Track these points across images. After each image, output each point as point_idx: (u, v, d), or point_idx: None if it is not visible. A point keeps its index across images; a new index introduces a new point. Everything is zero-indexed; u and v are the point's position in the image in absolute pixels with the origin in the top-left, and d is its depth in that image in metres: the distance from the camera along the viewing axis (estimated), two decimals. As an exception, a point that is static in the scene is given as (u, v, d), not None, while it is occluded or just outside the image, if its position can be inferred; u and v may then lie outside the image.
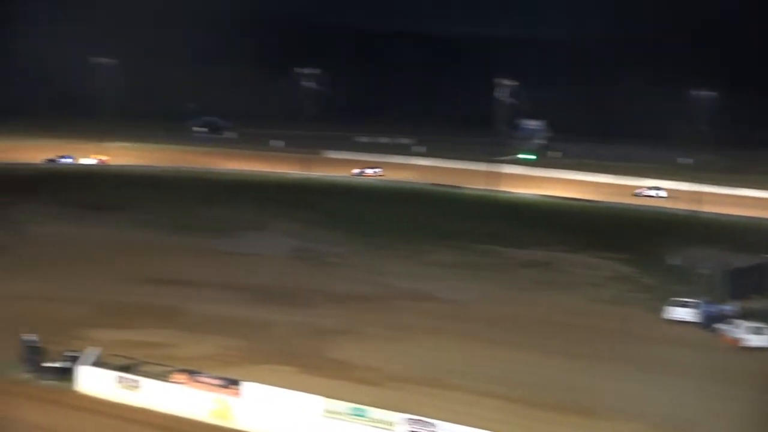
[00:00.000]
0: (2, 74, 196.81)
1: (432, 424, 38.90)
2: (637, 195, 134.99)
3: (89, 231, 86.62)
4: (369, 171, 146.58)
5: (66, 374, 45.39)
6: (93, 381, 44.75)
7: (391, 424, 39.29)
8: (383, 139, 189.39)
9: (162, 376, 44.07)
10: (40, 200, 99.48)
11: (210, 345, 52.05)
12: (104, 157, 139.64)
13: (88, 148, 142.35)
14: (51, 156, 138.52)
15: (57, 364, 45.90)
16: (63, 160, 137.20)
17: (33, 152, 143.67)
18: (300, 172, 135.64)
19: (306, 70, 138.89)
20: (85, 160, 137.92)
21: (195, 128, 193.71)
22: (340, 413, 40.26)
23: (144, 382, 43.75)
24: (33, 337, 46.80)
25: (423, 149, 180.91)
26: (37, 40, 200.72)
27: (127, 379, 44.11)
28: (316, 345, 53.76)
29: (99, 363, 45.80)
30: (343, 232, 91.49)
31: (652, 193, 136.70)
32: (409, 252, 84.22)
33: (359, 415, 40.02)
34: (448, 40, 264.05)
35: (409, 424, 39.03)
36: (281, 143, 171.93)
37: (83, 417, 41.96)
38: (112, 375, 44.53)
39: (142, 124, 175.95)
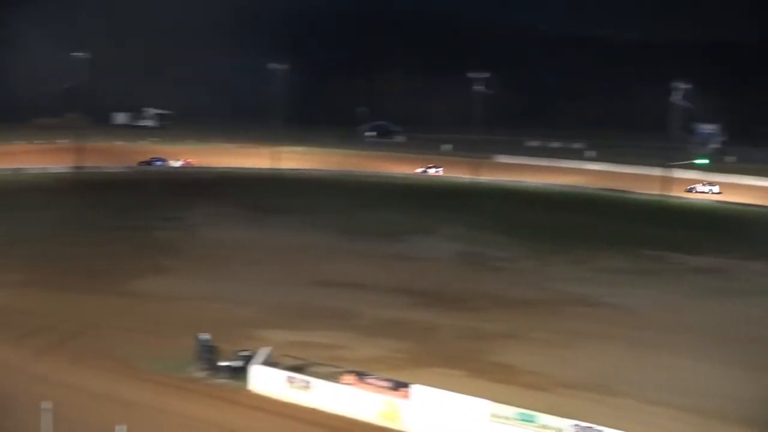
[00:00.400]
0: (184, 82, 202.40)
1: (597, 432, 38.44)
2: None
3: (260, 234, 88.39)
4: (431, 170, 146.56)
5: (239, 373, 46.36)
6: (265, 380, 45.57)
7: (560, 430, 38.92)
8: (554, 143, 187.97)
9: (331, 377, 44.66)
10: (213, 203, 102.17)
11: (378, 347, 52.39)
12: (191, 159, 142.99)
13: (260, 153, 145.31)
14: (145, 159, 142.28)
15: (230, 363, 46.99)
16: (156, 163, 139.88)
17: (209, 156, 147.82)
18: (469, 176, 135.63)
19: (475, 74, 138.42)
20: (174, 163, 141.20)
21: (366, 132, 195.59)
22: (507, 418, 40.04)
23: (314, 382, 44.40)
24: (207, 336, 48.07)
25: (593, 153, 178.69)
26: (213, 49, 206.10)
27: (297, 379, 44.79)
28: (483, 349, 53.60)
29: (270, 363, 46.76)
30: (510, 236, 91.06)
31: None
32: (577, 257, 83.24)
33: (527, 420, 39.74)
34: (619, 44, 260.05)
35: (579, 431, 38.64)
36: (450, 147, 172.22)
37: (255, 415, 42.80)
38: (283, 375, 45.32)
39: (314, 128, 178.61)
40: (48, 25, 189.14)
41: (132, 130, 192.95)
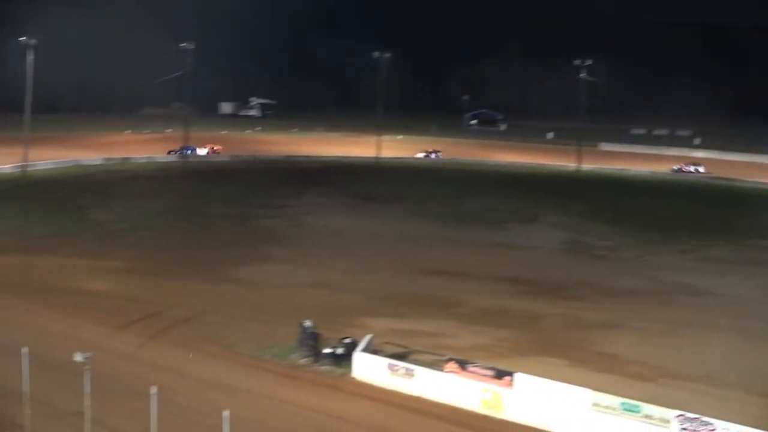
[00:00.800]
0: (289, 72, 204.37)
1: (710, 423, 37.75)
2: None
3: (363, 222, 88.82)
4: (433, 155, 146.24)
5: (342, 360, 46.54)
6: (367, 368, 45.68)
7: (666, 421, 38.35)
8: (660, 131, 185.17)
9: (434, 365, 44.66)
10: (317, 192, 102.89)
11: (481, 336, 52.21)
12: (218, 147, 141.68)
13: (364, 141, 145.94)
14: (175, 148, 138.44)
15: (333, 350, 47.26)
16: (187, 152, 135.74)
17: (316, 146, 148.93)
18: (573, 165, 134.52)
19: (580, 62, 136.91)
20: (200, 151, 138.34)
21: (470, 121, 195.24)
22: (610, 408, 39.68)
23: (416, 370, 44.43)
24: (310, 323, 48.41)
25: (699, 141, 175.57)
26: (317, 38, 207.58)
27: (400, 366, 44.87)
28: (585, 338, 53.10)
29: (373, 350, 46.94)
30: (614, 225, 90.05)
31: None
32: (683, 246, 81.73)
33: (631, 410, 39.29)
34: (727, 29, 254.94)
35: (685, 422, 38.07)
36: (552, 135, 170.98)
37: (358, 402, 42.95)
38: (385, 362, 45.44)
39: (417, 117, 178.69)
40: (155, 16, 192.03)
41: (237, 120, 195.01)
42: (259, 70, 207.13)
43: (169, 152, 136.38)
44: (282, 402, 41.77)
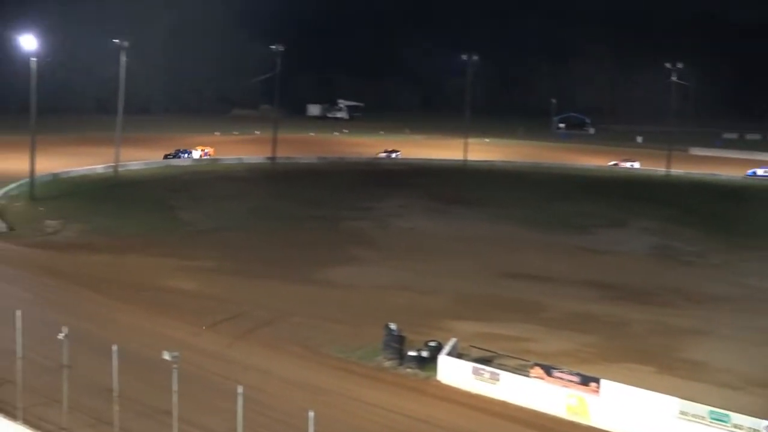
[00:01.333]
0: (381, 76, 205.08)
1: (798, 434, 37.11)
2: None
3: (449, 225, 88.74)
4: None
5: (426, 363, 46.53)
6: (452, 371, 45.63)
7: (756, 430, 37.83)
8: (753, 135, 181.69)
9: (519, 370, 44.46)
10: (403, 194, 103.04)
11: (567, 341, 51.88)
12: (209, 149, 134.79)
13: (450, 144, 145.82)
14: (169, 152, 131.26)
15: (418, 353, 47.30)
16: (183, 155, 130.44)
17: (402, 148, 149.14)
18: (662, 169, 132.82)
19: (670, 65, 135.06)
20: (195, 153, 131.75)
21: (559, 124, 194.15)
22: (698, 416, 39.15)
23: (502, 374, 44.26)
24: (396, 325, 48.49)
25: None
26: (406, 42, 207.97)
27: (484, 371, 44.75)
28: (673, 345, 52.39)
29: (458, 354, 46.88)
30: (703, 230, 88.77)
31: None
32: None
33: (719, 419, 38.69)
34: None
35: (775, 434, 37.44)
36: (642, 139, 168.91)
37: (443, 406, 42.87)
38: (470, 366, 45.35)
39: (504, 120, 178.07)
40: (245, 19, 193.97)
41: (325, 122, 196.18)
42: (347, 72, 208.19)
43: (165, 156, 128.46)
44: (366, 403, 41.86)
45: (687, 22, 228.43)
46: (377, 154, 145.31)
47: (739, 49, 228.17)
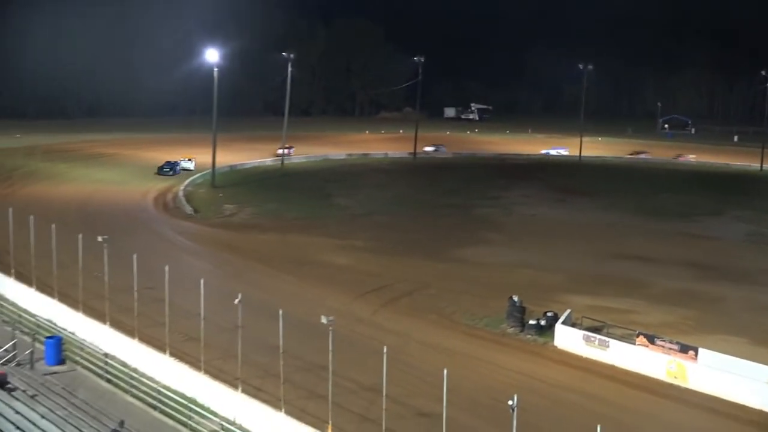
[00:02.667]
0: (508, 82, 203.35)
1: None
2: None
3: (566, 212, 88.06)
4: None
5: (544, 331, 46.49)
6: (566, 338, 45.50)
7: (838, 399, 36.80)
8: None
9: (625, 338, 44.01)
10: (527, 185, 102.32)
11: (667, 314, 51.00)
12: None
13: (568, 142, 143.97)
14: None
15: (537, 322, 47.22)
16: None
17: (525, 146, 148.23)
18: (757, 165, 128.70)
19: (765, 72, 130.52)
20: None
21: (664, 125, 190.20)
22: (787, 383, 38.31)
23: (610, 342, 43.94)
24: (518, 298, 48.45)
25: None
26: (526, 52, 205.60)
27: (595, 338, 44.47)
28: (765, 320, 51.05)
29: (572, 323, 46.67)
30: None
31: None
32: None
33: (807, 386, 37.83)
34: None
35: None
36: (737, 138, 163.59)
37: (558, 368, 42.73)
38: (582, 334, 45.12)
39: (615, 121, 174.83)
40: (391, 33, 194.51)
41: (458, 123, 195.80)
42: (479, 79, 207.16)
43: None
44: (492, 364, 42.01)
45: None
46: (541, 151, 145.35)
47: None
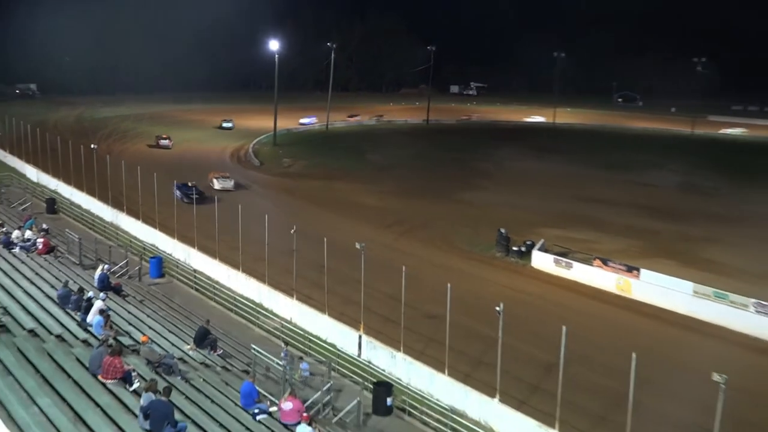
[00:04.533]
0: (499, 66, 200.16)
1: (777, 309, 35.98)
2: None
3: (541, 164, 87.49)
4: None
5: (524, 255, 46.85)
6: (540, 261, 45.88)
7: (745, 306, 36.85)
8: (752, 108, 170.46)
9: (585, 261, 44.20)
10: (512, 145, 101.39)
11: (618, 243, 51.03)
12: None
13: (543, 112, 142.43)
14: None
15: (519, 248, 47.43)
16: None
17: (511, 115, 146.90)
18: (688, 130, 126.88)
19: (696, 59, 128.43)
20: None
21: (617, 99, 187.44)
22: (706, 295, 38.43)
23: (574, 264, 44.16)
24: (504, 230, 48.61)
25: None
26: (518, 39, 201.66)
27: (562, 261, 44.69)
28: (691, 248, 50.98)
29: (545, 249, 46.89)
30: (715, 172, 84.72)
31: None
32: (763, 187, 76.14)
33: (720, 297, 37.90)
34: None
35: (759, 306, 36.35)
36: (674, 110, 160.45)
37: (534, 283, 43.23)
38: (552, 258, 45.36)
39: (580, 96, 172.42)
40: (409, 27, 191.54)
41: (461, 97, 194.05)
42: (477, 63, 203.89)
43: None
44: (484, 279, 42.42)
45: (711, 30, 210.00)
46: (524, 119, 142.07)
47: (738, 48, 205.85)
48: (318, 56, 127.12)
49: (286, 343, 30.54)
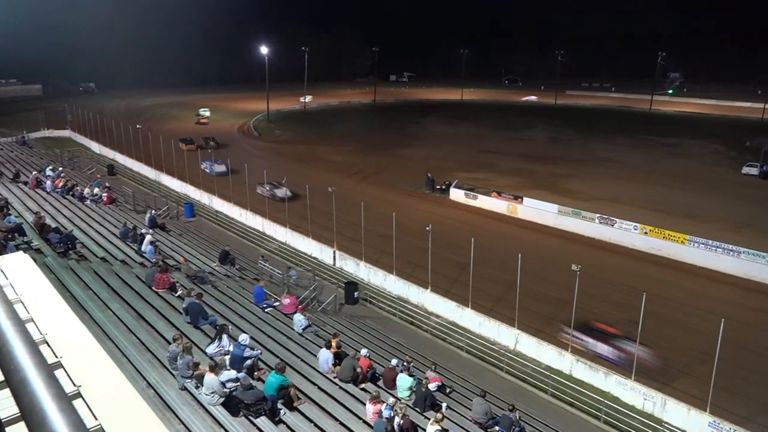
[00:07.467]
0: (419, 59, 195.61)
1: (613, 219, 36.73)
2: None
3: (453, 128, 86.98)
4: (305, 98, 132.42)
5: (445, 192, 46.79)
6: (456, 195, 45.88)
7: (592, 219, 37.61)
8: (595, 84, 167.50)
9: (485, 194, 44.40)
10: (434, 116, 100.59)
11: (507, 180, 51.30)
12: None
13: (452, 92, 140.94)
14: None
15: (440, 186, 47.39)
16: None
17: (432, 94, 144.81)
18: (552, 101, 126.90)
19: (557, 52, 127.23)
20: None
21: (504, 80, 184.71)
22: (566, 213, 39.01)
23: (478, 196, 44.31)
24: (430, 174, 48.47)
25: (611, 86, 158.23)
26: (435, 43, 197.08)
27: (470, 194, 44.81)
28: (557, 182, 51.58)
29: (458, 186, 46.90)
30: (575, 129, 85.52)
31: None
32: (603, 138, 77.15)
33: (576, 213, 38.56)
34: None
35: (603, 219, 37.15)
36: (543, 87, 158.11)
37: (452, 210, 43.24)
38: (463, 192, 45.45)
39: (480, 79, 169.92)
40: (361, 32, 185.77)
41: (397, 83, 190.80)
42: (408, 57, 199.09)
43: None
44: (417, 209, 42.23)
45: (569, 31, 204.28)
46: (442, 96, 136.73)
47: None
48: (297, 57, 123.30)
49: (289, 268, 30.14)
